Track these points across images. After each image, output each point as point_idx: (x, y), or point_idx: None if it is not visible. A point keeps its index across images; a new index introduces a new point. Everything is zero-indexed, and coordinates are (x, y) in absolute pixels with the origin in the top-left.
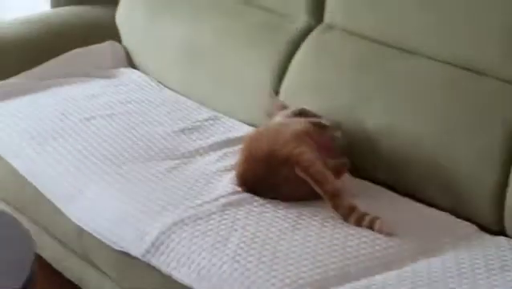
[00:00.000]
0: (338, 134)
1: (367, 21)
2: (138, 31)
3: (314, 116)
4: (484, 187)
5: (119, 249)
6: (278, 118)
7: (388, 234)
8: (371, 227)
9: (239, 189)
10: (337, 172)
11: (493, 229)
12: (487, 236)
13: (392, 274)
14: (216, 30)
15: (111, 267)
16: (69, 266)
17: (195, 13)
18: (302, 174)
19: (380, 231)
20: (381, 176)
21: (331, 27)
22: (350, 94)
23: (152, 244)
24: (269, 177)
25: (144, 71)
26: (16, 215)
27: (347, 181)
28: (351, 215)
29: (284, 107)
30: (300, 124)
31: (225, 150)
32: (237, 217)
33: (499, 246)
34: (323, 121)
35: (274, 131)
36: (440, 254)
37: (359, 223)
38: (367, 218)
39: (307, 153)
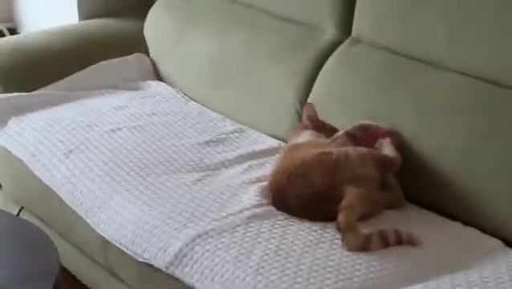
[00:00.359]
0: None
1: (395, 34)
2: (165, 44)
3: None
4: (509, 202)
5: (143, 260)
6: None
7: (416, 244)
8: (400, 242)
9: (264, 201)
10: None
11: None
12: None
13: (416, 288)
14: (243, 43)
15: (134, 279)
16: (93, 278)
17: (223, 26)
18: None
19: (410, 242)
20: (405, 189)
21: (358, 40)
22: (376, 107)
23: (176, 256)
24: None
25: (170, 84)
26: (41, 226)
27: None
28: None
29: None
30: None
31: (250, 162)
32: (262, 230)
33: None
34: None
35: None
36: (464, 268)
37: (385, 244)
38: (392, 236)
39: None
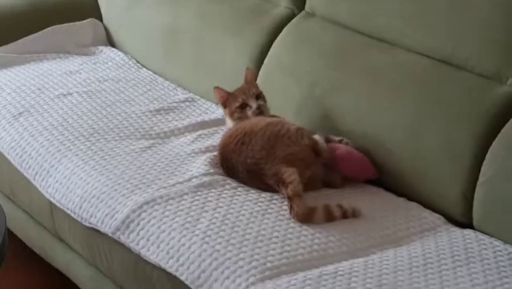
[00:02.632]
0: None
1: (348, 10)
2: (119, 10)
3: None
4: (453, 179)
5: (89, 225)
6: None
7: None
8: (345, 216)
9: (212, 170)
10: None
11: (460, 221)
12: (455, 228)
13: (358, 262)
14: (197, 13)
15: (80, 244)
16: (40, 243)
17: None
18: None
19: (354, 215)
20: None
21: (312, 15)
22: (326, 81)
23: (123, 222)
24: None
25: (123, 50)
26: None
27: None
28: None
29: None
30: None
31: (200, 132)
32: (209, 198)
33: (466, 238)
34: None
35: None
36: (407, 243)
37: (330, 218)
38: (336, 210)
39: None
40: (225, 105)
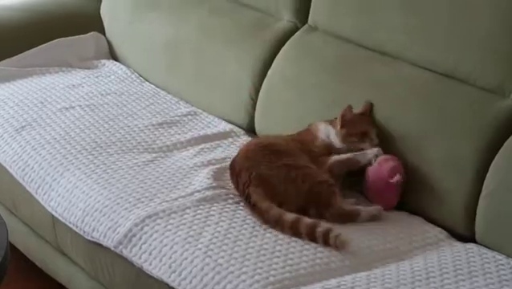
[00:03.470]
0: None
1: (351, 24)
2: (122, 24)
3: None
4: (456, 193)
5: (92, 239)
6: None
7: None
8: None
9: (215, 184)
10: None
11: (463, 235)
12: (457, 242)
13: (361, 276)
14: (200, 26)
15: (82, 258)
16: (42, 256)
17: (180, 8)
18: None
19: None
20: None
21: (314, 29)
22: (329, 95)
23: (125, 236)
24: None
25: (125, 64)
26: None
27: None
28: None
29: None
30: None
31: (202, 145)
32: (211, 212)
33: (468, 252)
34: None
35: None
36: (409, 257)
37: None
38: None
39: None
40: (343, 124)
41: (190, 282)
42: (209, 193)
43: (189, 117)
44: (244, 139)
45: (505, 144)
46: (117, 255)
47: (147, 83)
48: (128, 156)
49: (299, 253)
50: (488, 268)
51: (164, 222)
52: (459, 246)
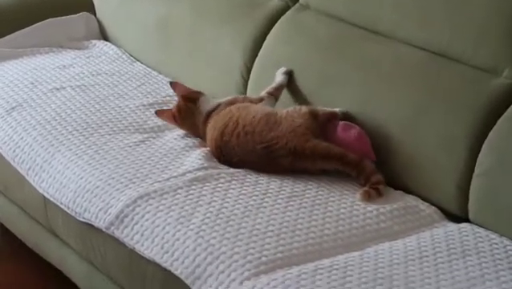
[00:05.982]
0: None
1: (343, 2)
2: (113, 4)
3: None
4: (449, 172)
5: (83, 220)
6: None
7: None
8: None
9: (206, 164)
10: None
11: (457, 214)
12: (450, 222)
13: (354, 255)
14: (191, 5)
15: (74, 239)
16: (34, 238)
17: None
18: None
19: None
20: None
21: (306, 7)
22: (321, 74)
23: (117, 216)
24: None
25: (116, 44)
26: None
27: None
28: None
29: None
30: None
31: None
32: (203, 192)
33: (462, 231)
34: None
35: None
36: (402, 237)
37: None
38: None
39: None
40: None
41: (182, 262)
42: (200, 173)
43: None
44: None
45: (499, 122)
46: (109, 236)
47: (138, 63)
48: (120, 137)
49: (292, 233)
50: (481, 247)
51: (156, 203)
52: (452, 225)
